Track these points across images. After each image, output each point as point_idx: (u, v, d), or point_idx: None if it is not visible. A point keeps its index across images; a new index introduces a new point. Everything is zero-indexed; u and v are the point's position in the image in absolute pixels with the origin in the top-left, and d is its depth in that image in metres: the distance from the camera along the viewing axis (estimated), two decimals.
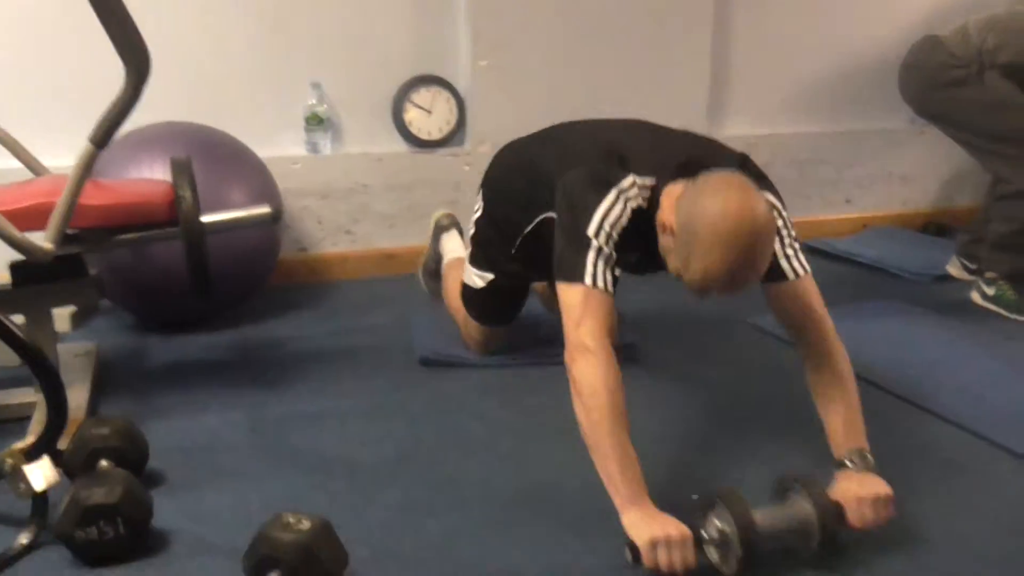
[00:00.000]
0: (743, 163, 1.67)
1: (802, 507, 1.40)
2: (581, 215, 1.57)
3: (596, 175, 1.62)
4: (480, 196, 2.17)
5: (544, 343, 2.27)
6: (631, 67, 3.17)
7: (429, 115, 3.00)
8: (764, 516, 1.38)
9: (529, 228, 1.94)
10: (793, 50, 3.53)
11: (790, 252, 1.59)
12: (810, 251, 3.40)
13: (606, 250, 1.54)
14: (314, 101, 2.85)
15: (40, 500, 1.46)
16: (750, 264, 1.42)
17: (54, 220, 1.68)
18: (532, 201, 1.89)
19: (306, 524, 1.30)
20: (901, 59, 2.89)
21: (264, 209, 1.99)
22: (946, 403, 2.01)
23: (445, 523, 1.55)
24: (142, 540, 1.44)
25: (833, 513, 1.40)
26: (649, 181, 1.60)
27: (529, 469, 1.75)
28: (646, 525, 1.33)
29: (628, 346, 2.19)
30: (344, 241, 2.99)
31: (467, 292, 2.21)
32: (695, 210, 1.44)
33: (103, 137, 1.66)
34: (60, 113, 2.45)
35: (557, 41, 3.05)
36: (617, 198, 1.57)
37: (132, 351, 2.36)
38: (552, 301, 2.40)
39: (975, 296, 2.80)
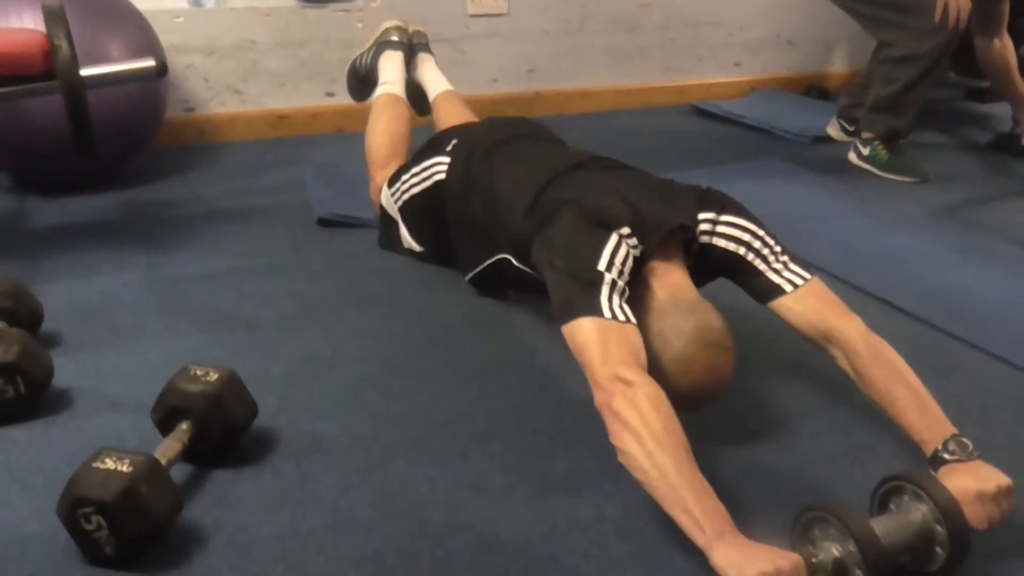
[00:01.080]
0: (708, 196, 1.55)
1: (921, 513, 1.14)
2: (585, 254, 1.39)
3: (593, 216, 1.45)
4: (433, 177, 1.89)
5: None
6: None
7: None
8: (881, 528, 1.11)
9: (486, 264, 1.78)
10: None
11: (779, 267, 1.47)
12: (699, 112, 3.51)
13: (620, 284, 1.36)
14: None
15: None
16: (693, 409, 1.32)
17: None
18: (489, 239, 1.74)
19: (214, 375, 1.32)
20: None
21: (148, 63, 1.92)
22: (820, 254, 2.14)
23: (350, 373, 1.59)
24: (42, 399, 1.44)
25: (959, 516, 1.12)
26: (636, 246, 1.43)
27: (428, 320, 1.80)
28: (749, 562, 1.06)
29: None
30: (233, 101, 2.90)
31: (392, 232, 2.07)
32: (664, 354, 1.33)
33: None
34: None
35: None
36: (620, 241, 1.40)
37: (11, 213, 2.28)
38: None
39: (852, 156, 2.94)
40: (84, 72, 1.78)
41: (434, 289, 1.92)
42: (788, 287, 1.45)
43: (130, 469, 1.12)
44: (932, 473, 1.20)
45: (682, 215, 1.47)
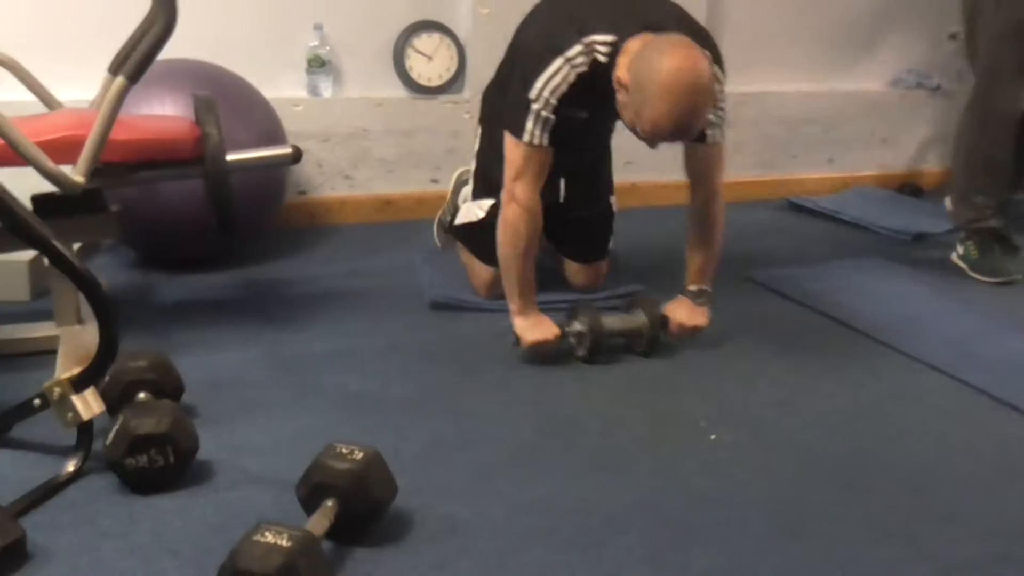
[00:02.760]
0: (704, 37, 1.89)
1: (639, 317, 2.02)
2: (527, 77, 1.82)
3: (547, 40, 1.84)
4: (478, 129, 2.33)
5: (548, 290, 2.33)
6: None
7: (430, 61, 3.01)
8: (610, 320, 2.00)
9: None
10: (784, 7, 3.59)
11: (715, 120, 1.91)
12: (794, 208, 3.53)
13: (544, 114, 1.82)
14: (316, 43, 2.85)
15: (86, 429, 1.49)
16: (693, 115, 1.68)
17: (86, 153, 1.68)
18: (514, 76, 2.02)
19: (359, 454, 1.35)
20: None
21: (286, 149, 2.01)
22: (928, 353, 2.12)
23: (476, 457, 1.61)
24: (189, 470, 1.48)
25: (660, 324, 2.02)
26: (610, 38, 1.79)
27: (546, 406, 1.82)
28: (530, 327, 1.95)
29: (630, 293, 2.25)
30: (343, 185, 3.01)
31: (470, 229, 2.29)
32: (645, 69, 1.67)
33: (136, 72, 1.67)
34: (69, 47, 2.42)
35: None
36: (562, 65, 1.79)
37: (140, 289, 2.37)
38: (553, 251, 2.47)
39: (953, 255, 2.90)
40: (229, 157, 1.87)
41: (551, 377, 1.94)
42: (709, 140, 1.93)
43: (289, 543, 1.15)
44: (657, 301, 2.05)
45: (672, 19, 1.85)
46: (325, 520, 1.29)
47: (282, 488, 1.42)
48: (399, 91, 3.03)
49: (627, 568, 1.31)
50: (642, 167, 3.25)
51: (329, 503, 1.32)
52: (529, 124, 1.83)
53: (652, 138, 1.73)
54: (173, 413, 1.46)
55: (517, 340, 1.95)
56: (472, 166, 2.35)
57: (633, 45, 1.76)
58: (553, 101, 1.81)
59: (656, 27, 1.78)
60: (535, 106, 1.81)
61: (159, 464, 1.43)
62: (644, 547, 1.37)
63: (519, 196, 1.89)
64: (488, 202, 2.22)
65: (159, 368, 1.65)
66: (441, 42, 3.01)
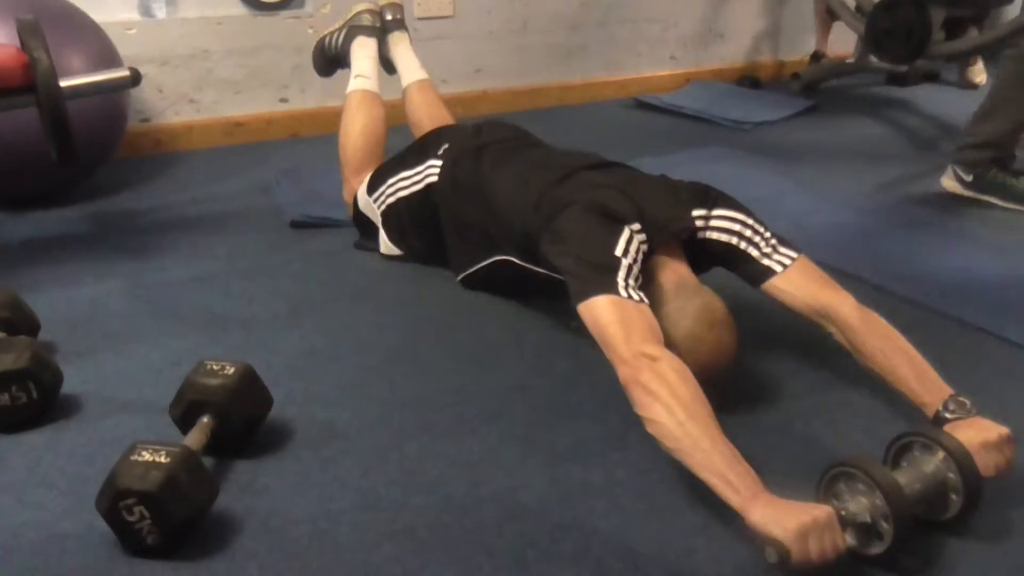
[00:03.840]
0: (701, 192, 1.64)
1: (934, 463, 1.20)
2: (601, 241, 1.46)
3: (606, 211, 1.52)
4: (423, 182, 1.93)
5: None
6: None
7: None
8: (903, 480, 1.17)
9: (482, 264, 1.84)
10: None
11: (768, 250, 1.56)
12: (641, 105, 3.63)
13: (635, 270, 1.44)
14: None
15: None
16: (720, 370, 1.43)
17: None
18: (488, 240, 1.79)
19: (230, 369, 1.37)
20: None
21: (123, 72, 1.94)
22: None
23: (350, 363, 1.64)
24: (53, 405, 1.46)
25: (972, 461, 1.18)
26: (644, 240, 1.51)
27: (416, 311, 1.86)
28: (787, 517, 1.10)
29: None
30: (188, 110, 2.90)
31: (371, 234, 2.11)
32: (670, 336, 1.40)
33: None
34: None
35: None
36: (632, 235, 1.48)
37: None
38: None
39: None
40: (63, 83, 1.79)
41: (417, 282, 1.98)
42: (778, 268, 1.54)
43: (168, 460, 1.16)
44: (939, 428, 1.27)
45: (683, 214, 1.58)
46: (202, 436, 1.31)
47: (155, 412, 1.43)
48: (238, 8, 2.92)
49: (500, 450, 1.39)
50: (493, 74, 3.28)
51: (205, 419, 1.33)
52: (620, 280, 1.39)
53: None
54: (31, 348, 1.43)
55: (781, 549, 1.08)
56: (378, 207, 2.03)
57: (661, 276, 1.51)
58: (639, 259, 1.46)
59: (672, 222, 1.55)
60: (625, 261, 1.42)
61: (22, 401, 1.41)
62: (516, 429, 1.44)
63: (648, 351, 1.30)
64: (397, 252, 2.05)
65: (9, 305, 1.60)
66: None
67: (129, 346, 1.69)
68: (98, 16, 2.50)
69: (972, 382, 1.59)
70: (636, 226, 1.50)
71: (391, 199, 1.99)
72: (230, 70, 2.93)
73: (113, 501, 1.14)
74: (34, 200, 2.38)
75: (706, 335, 1.43)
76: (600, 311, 1.37)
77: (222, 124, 2.96)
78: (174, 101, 2.87)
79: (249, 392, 1.37)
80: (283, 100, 3.04)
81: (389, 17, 2.40)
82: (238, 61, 2.93)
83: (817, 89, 3.91)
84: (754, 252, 1.56)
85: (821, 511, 1.12)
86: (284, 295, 1.91)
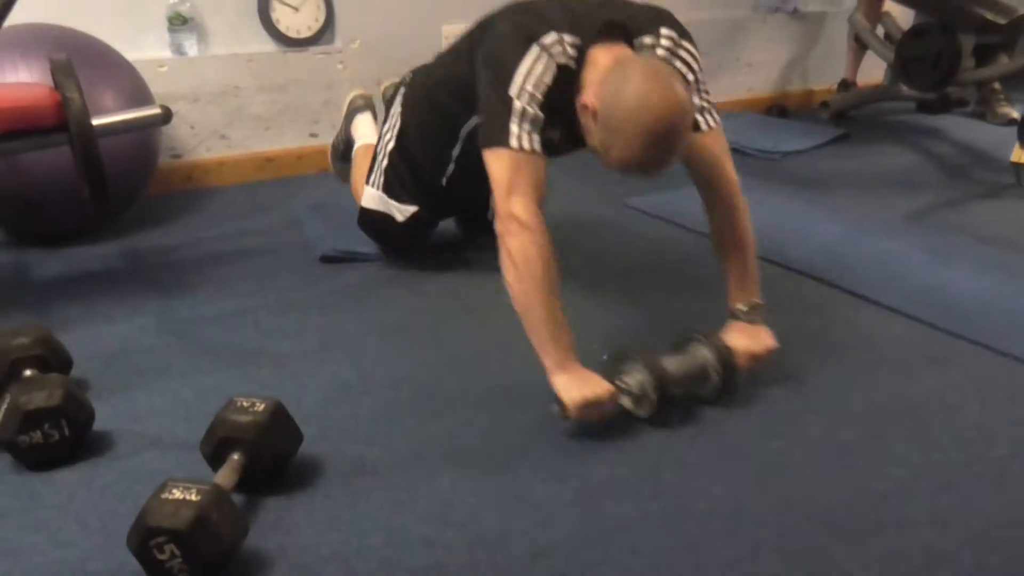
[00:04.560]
0: (664, 19, 1.66)
1: (703, 354, 1.59)
2: (502, 75, 1.55)
3: (517, 30, 1.58)
4: (393, 122, 2.09)
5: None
6: None
7: (296, 12, 2.95)
8: (671, 364, 1.55)
9: (462, 142, 1.90)
10: None
11: (703, 105, 1.64)
12: None
13: (531, 111, 1.52)
14: (176, 0, 2.75)
15: None
16: (669, 154, 1.47)
17: None
18: (459, 105, 1.83)
19: (260, 405, 1.37)
20: None
21: (154, 110, 1.96)
22: (807, 261, 2.25)
23: (380, 398, 1.64)
24: (84, 442, 1.46)
25: (731, 359, 1.57)
26: (574, 39, 1.56)
27: (446, 346, 1.85)
28: (576, 387, 1.45)
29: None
30: (220, 146, 2.94)
31: (384, 223, 2.16)
32: (619, 101, 1.44)
33: None
34: None
35: None
36: (540, 54, 1.54)
37: (14, 266, 2.29)
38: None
39: None
40: (95, 121, 1.82)
41: (447, 317, 1.98)
42: (704, 127, 1.64)
43: (199, 497, 1.16)
44: (714, 330, 1.63)
45: (630, 17, 1.63)
46: (233, 473, 1.31)
47: (186, 449, 1.43)
48: (268, 45, 2.96)
49: (531, 485, 1.37)
50: None
51: (235, 456, 1.33)
52: (514, 127, 1.51)
53: (622, 173, 1.54)
54: (63, 385, 1.44)
55: (561, 406, 1.47)
56: (380, 160, 2.12)
57: (600, 58, 1.55)
58: (538, 96, 1.53)
59: (619, 27, 1.59)
60: (518, 104, 1.52)
61: (54, 439, 1.41)
62: (546, 465, 1.43)
63: (520, 215, 1.49)
64: (410, 209, 2.10)
65: (43, 343, 1.61)
66: None
67: (160, 382, 1.70)
68: (130, 54, 2.54)
69: (1008, 413, 1.57)
70: (552, 36, 1.55)
71: (384, 163, 2.11)
72: (260, 106, 2.96)
73: (144, 539, 1.14)
74: (66, 237, 2.41)
75: (654, 84, 1.43)
76: (493, 163, 1.55)
77: (253, 159, 2.99)
78: (205, 137, 2.91)
79: (279, 429, 1.37)
80: (313, 135, 3.07)
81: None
82: (268, 97, 2.96)
83: (846, 117, 3.88)
84: (697, 100, 1.64)
85: (603, 388, 1.47)
86: (314, 330, 1.92)
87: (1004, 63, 3.42)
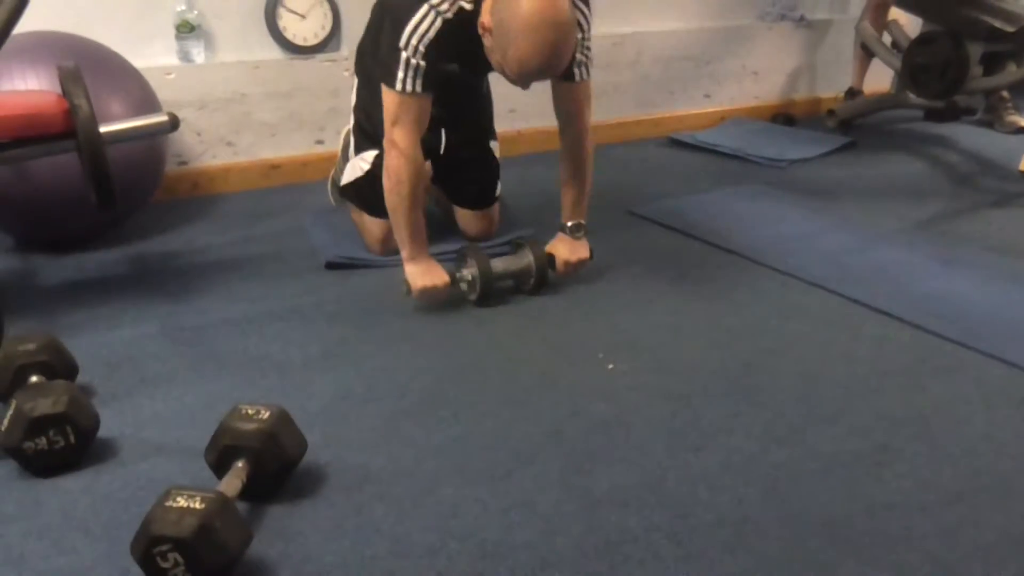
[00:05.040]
0: None
1: (526, 258, 2.09)
2: (396, 28, 1.86)
3: None
4: (354, 77, 2.33)
5: (439, 239, 2.35)
6: None
7: (303, 20, 2.95)
8: (499, 263, 2.07)
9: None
10: None
11: (581, 59, 1.97)
12: (675, 144, 3.63)
13: (414, 61, 1.85)
14: (183, 7, 2.76)
15: None
16: (558, 53, 1.74)
17: None
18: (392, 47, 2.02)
19: (265, 413, 1.36)
20: None
21: (161, 117, 1.96)
22: (813, 270, 2.24)
23: (384, 406, 1.64)
24: (89, 448, 1.46)
25: (546, 262, 2.09)
26: None
27: (450, 353, 1.85)
28: (420, 275, 1.99)
29: (520, 238, 2.29)
30: (226, 153, 2.94)
31: (358, 185, 2.30)
32: (506, 10, 1.71)
33: None
34: None
35: None
36: (427, 12, 1.83)
37: (21, 273, 2.29)
38: (440, 197, 2.48)
39: None
40: (102, 128, 1.82)
41: (451, 324, 1.98)
42: (576, 78, 2.01)
43: (202, 505, 1.16)
44: (538, 241, 2.13)
45: None
46: (237, 481, 1.31)
47: (190, 456, 1.43)
48: (275, 52, 2.97)
49: (535, 495, 1.37)
50: (527, 115, 3.30)
51: (240, 464, 1.33)
52: (400, 73, 1.86)
53: (520, 78, 1.78)
54: (69, 392, 1.44)
55: (408, 288, 1.97)
56: (351, 121, 2.35)
57: None
58: (422, 49, 1.85)
59: None
60: (404, 54, 1.84)
61: (59, 445, 1.41)
62: (551, 474, 1.42)
63: (399, 143, 1.91)
64: (372, 153, 2.24)
65: (49, 349, 1.61)
66: None
67: (165, 389, 1.69)
68: (138, 62, 2.55)
69: (1016, 425, 1.56)
70: None
71: (352, 124, 2.36)
72: (267, 113, 2.96)
73: (147, 547, 1.14)
74: (73, 243, 2.41)
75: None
76: (385, 98, 1.93)
77: (259, 166, 2.99)
78: (212, 144, 2.91)
79: (283, 436, 1.36)
80: (319, 142, 3.07)
81: None
82: (275, 104, 2.97)
83: (853, 126, 3.88)
84: (578, 55, 1.95)
85: (441, 279, 1.99)
86: (319, 337, 1.91)
87: (1012, 71, 3.41)
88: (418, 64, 1.86)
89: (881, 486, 1.39)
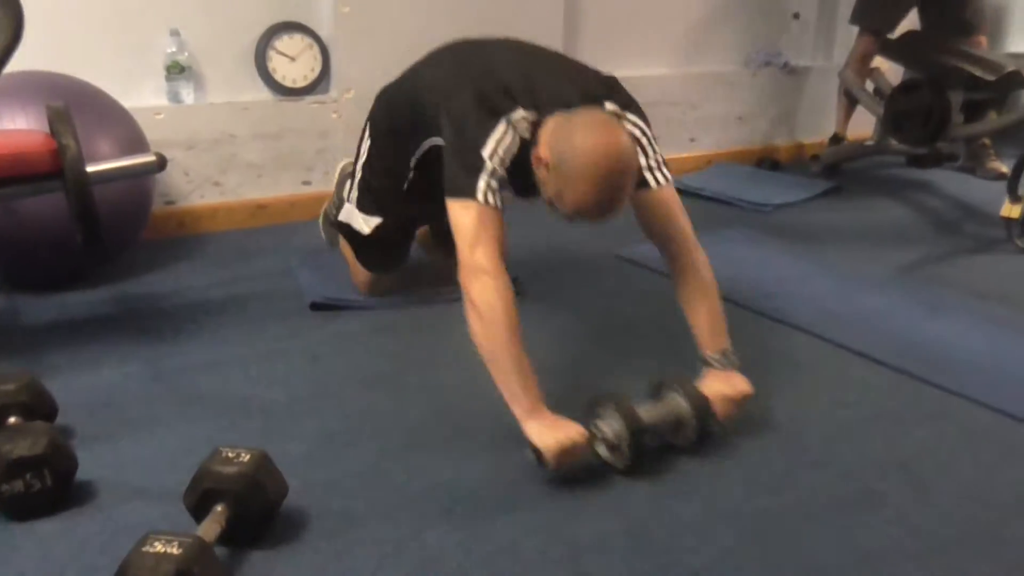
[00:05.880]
0: (612, 87, 1.79)
1: (678, 403, 1.59)
2: (474, 137, 1.65)
3: (485, 102, 1.68)
4: (364, 138, 2.19)
5: (427, 284, 2.35)
6: (490, 12, 3.24)
7: (293, 62, 2.97)
8: (646, 413, 1.55)
9: (417, 157, 1.99)
10: None
11: (653, 164, 1.73)
12: None
13: (499, 171, 1.63)
14: (174, 49, 2.77)
15: None
16: (615, 197, 1.56)
17: None
18: (417, 128, 1.93)
19: (246, 456, 1.35)
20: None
21: (149, 158, 1.96)
22: (798, 315, 2.24)
23: (367, 450, 1.62)
24: (68, 492, 1.44)
25: (706, 407, 1.59)
26: (532, 116, 1.67)
27: (434, 396, 1.84)
28: (550, 433, 1.47)
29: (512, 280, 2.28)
30: (213, 193, 2.94)
31: (355, 238, 2.24)
32: (567, 148, 1.56)
33: None
34: None
35: None
36: (507, 128, 1.65)
37: (4, 312, 2.27)
38: (432, 246, 2.48)
39: None
40: (90, 168, 1.81)
41: (436, 367, 1.97)
42: (653, 184, 1.73)
43: (180, 551, 1.14)
44: (690, 377, 1.64)
45: (581, 93, 1.72)
46: (216, 525, 1.29)
47: (170, 500, 1.40)
48: (264, 94, 2.99)
49: (520, 540, 1.36)
50: None
51: (219, 508, 1.31)
52: (482, 183, 1.61)
53: (573, 218, 1.62)
54: (48, 434, 1.42)
55: (537, 454, 1.47)
56: (356, 169, 2.22)
57: (552, 119, 1.66)
58: (507, 161, 1.65)
59: (570, 102, 1.68)
60: (489, 164, 1.62)
61: (36, 488, 1.39)
62: (536, 520, 1.41)
63: (486, 266, 1.56)
64: (375, 220, 2.17)
65: (29, 390, 1.59)
66: (303, 42, 2.98)
67: (146, 431, 1.68)
68: (127, 102, 2.55)
69: (1003, 471, 1.56)
70: (519, 112, 1.65)
71: (358, 177, 2.19)
72: (255, 154, 2.97)
73: None
74: (58, 283, 2.39)
75: (598, 126, 1.57)
76: (458, 213, 1.62)
77: (246, 206, 2.99)
78: (199, 184, 2.91)
79: (264, 480, 1.35)
80: (306, 183, 3.07)
81: None
82: (263, 145, 2.98)
83: (837, 171, 3.92)
84: (643, 160, 1.71)
85: (577, 433, 1.48)
86: (303, 379, 1.90)
87: (993, 119, 3.47)
88: (502, 176, 1.64)
89: (868, 533, 1.39)
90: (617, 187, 1.56)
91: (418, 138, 1.96)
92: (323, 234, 2.63)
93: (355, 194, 2.22)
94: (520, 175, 1.69)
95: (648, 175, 1.72)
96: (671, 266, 1.76)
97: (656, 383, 1.64)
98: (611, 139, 1.55)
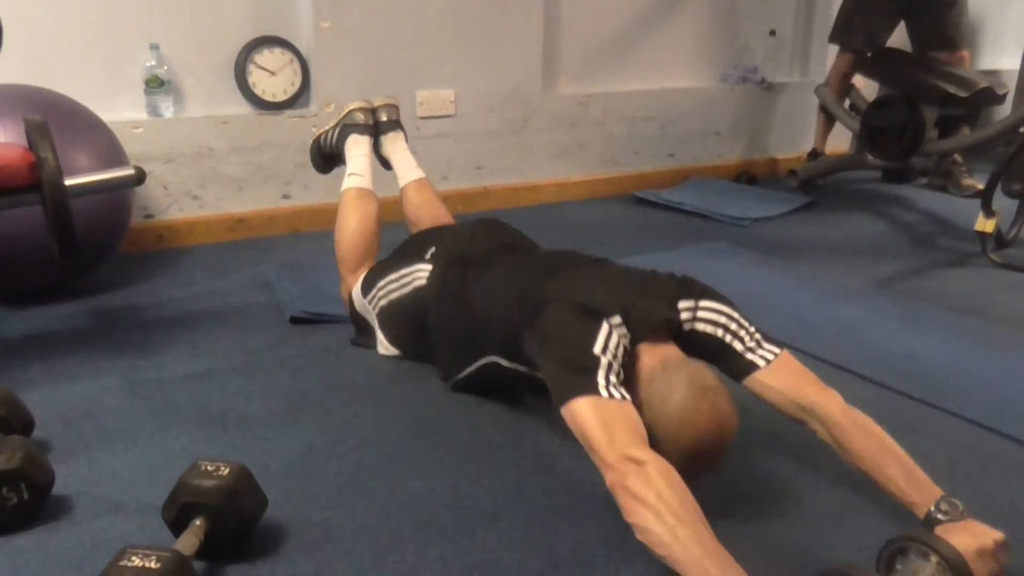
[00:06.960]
0: (682, 289, 1.62)
1: (929, 570, 1.19)
2: (580, 341, 1.44)
3: (584, 307, 1.50)
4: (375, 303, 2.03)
5: None
6: (470, 28, 3.27)
7: (273, 76, 2.98)
8: None
9: (471, 369, 1.82)
10: (616, 13, 3.74)
11: (752, 344, 1.56)
12: (640, 202, 3.68)
13: (616, 366, 1.42)
14: (153, 63, 2.78)
15: None
16: (713, 464, 1.41)
17: None
18: (474, 345, 1.78)
19: (225, 470, 1.34)
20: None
21: (127, 171, 1.96)
22: (777, 327, 2.25)
23: (347, 463, 1.62)
24: (44, 506, 1.43)
25: (967, 568, 1.18)
26: (628, 334, 1.50)
27: (415, 408, 1.84)
28: None
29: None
30: (192, 206, 2.94)
31: (364, 329, 2.14)
32: (663, 412, 1.39)
33: None
34: None
35: (397, 1, 3.10)
36: (611, 330, 1.46)
37: None
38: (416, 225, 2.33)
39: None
40: (68, 182, 1.81)
41: (416, 380, 1.97)
42: (762, 363, 1.55)
43: (157, 565, 1.14)
44: (934, 532, 1.25)
45: (667, 306, 1.57)
46: (194, 539, 1.28)
47: (148, 513, 1.40)
48: (244, 108, 2.99)
49: (499, 553, 1.36)
50: (494, 170, 3.34)
51: (198, 522, 1.30)
52: (601, 379, 1.38)
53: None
54: (24, 447, 1.41)
55: None
56: (374, 316, 2.07)
57: (645, 357, 1.49)
58: (619, 357, 1.44)
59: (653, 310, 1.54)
60: (604, 359, 1.41)
61: (12, 502, 1.38)
62: (515, 532, 1.41)
63: (633, 453, 1.28)
64: (394, 351, 2.06)
65: (5, 403, 1.58)
66: (283, 57, 2.99)
67: (124, 445, 1.66)
68: (106, 115, 2.54)
69: (978, 483, 1.58)
70: (616, 319, 1.48)
71: (383, 302, 2.01)
72: (234, 167, 2.97)
73: None
74: (35, 295, 2.38)
75: (700, 403, 1.36)
76: (582, 415, 1.36)
77: (225, 220, 2.99)
78: (178, 198, 2.91)
79: (244, 494, 1.34)
80: (286, 196, 3.08)
81: (384, 118, 2.41)
82: (242, 159, 2.98)
83: (814, 185, 3.96)
84: (738, 346, 1.56)
85: None
86: (282, 392, 1.90)
87: (966, 135, 3.52)
88: (619, 371, 1.43)
89: (844, 545, 1.40)
90: (714, 459, 1.39)
91: (474, 354, 1.78)
92: (311, 159, 2.51)
93: (376, 320, 2.08)
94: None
95: (752, 356, 1.55)
96: (826, 431, 1.46)
97: (889, 548, 1.24)
98: (711, 411, 1.36)
